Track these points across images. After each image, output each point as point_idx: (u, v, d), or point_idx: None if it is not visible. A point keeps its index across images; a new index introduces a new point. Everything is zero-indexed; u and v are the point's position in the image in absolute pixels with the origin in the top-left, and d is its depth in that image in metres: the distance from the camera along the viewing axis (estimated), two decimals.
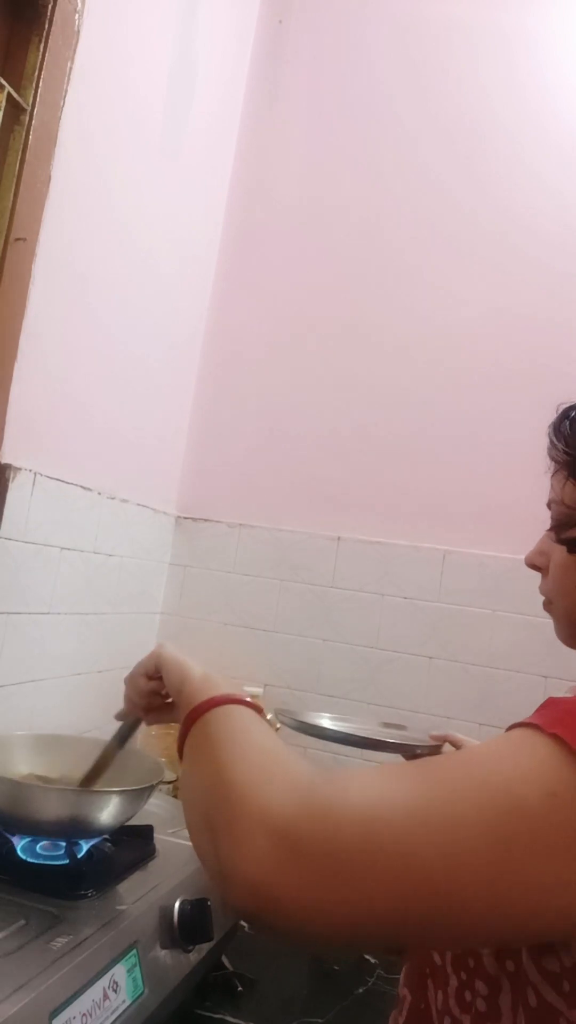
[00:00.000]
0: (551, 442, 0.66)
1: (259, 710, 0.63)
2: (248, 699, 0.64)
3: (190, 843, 1.02)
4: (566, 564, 0.64)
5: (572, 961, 0.49)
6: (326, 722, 1.04)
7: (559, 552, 0.65)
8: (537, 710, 0.50)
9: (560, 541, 0.64)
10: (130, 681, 0.85)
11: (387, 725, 1.10)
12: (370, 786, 0.47)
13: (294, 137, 1.83)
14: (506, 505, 1.54)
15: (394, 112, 1.75)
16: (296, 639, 1.65)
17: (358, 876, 0.43)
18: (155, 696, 0.82)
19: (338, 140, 1.79)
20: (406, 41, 1.77)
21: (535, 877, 0.42)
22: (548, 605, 0.70)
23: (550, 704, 0.50)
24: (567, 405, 0.67)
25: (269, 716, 0.91)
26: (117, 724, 0.89)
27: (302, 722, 0.93)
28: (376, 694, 1.57)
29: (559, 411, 0.67)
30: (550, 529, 0.67)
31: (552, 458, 0.66)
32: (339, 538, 1.65)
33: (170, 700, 0.82)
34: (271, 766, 0.51)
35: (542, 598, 0.71)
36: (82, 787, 0.87)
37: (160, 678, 0.79)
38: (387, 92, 1.77)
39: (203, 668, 0.73)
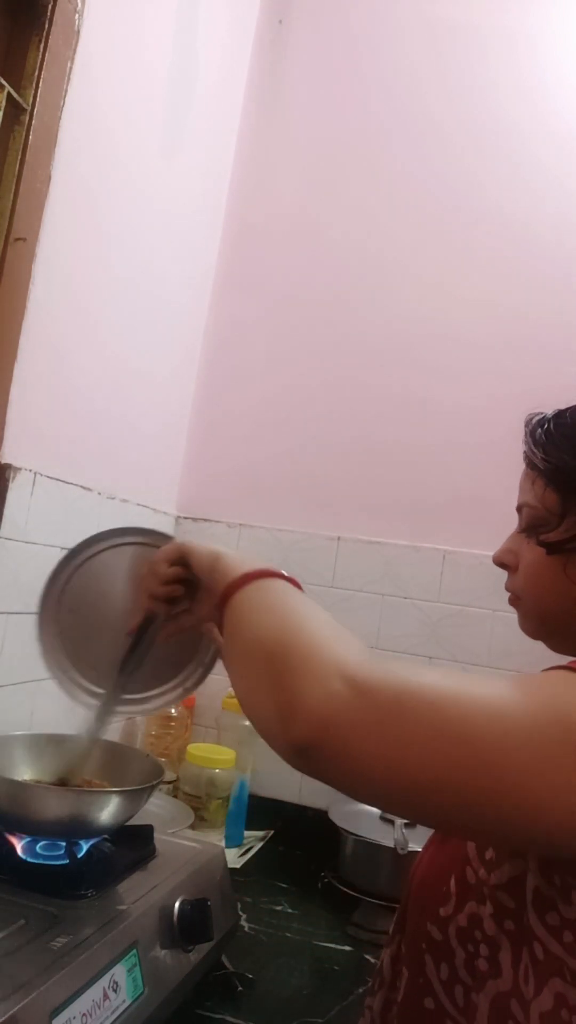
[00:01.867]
0: (529, 449, 0.68)
1: (301, 588, 0.65)
2: (290, 576, 0.65)
3: (190, 843, 1.03)
4: (541, 564, 0.66)
5: (572, 913, 0.52)
6: None
7: (531, 551, 0.68)
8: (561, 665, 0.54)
9: (539, 543, 0.66)
10: (149, 569, 0.76)
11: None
12: (439, 672, 0.52)
13: (294, 137, 1.83)
14: (506, 505, 1.53)
15: (394, 111, 1.75)
16: None
17: (422, 733, 0.47)
18: (176, 587, 0.75)
19: (338, 139, 1.79)
20: (406, 41, 1.77)
21: (568, 779, 0.45)
22: (515, 600, 0.73)
23: None
24: (539, 416, 0.69)
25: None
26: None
27: None
28: None
29: (532, 421, 0.69)
30: (520, 530, 0.71)
31: (530, 464, 0.69)
32: (339, 538, 1.65)
33: (186, 608, 0.77)
34: (341, 633, 0.56)
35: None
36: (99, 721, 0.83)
37: (184, 565, 0.74)
38: (387, 91, 1.77)
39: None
